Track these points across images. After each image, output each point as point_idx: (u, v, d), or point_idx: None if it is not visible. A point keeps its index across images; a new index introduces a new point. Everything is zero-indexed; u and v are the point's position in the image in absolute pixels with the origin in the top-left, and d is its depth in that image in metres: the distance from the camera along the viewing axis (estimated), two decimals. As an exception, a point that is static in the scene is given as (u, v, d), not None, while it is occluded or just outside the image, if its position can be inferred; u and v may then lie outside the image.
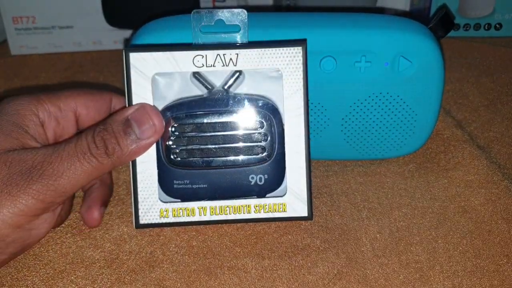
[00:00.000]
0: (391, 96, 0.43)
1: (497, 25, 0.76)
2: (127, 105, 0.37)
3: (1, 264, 0.35)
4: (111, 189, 0.43)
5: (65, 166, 0.34)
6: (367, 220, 0.40)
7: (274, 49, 0.37)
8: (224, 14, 0.38)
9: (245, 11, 0.38)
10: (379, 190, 0.44)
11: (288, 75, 0.38)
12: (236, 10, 0.38)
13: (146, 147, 0.37)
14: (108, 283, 0.35)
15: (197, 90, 0.40)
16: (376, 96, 0.43)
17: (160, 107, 0.39)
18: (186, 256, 0.37)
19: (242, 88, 0.40)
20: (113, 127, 0.35)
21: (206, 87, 0.39)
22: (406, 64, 0.42)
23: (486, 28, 0.76)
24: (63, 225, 0.40)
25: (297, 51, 0.38)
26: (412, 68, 0.42)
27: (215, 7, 0.79)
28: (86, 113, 0.40)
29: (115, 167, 0.36)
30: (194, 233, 0.39)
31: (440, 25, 0.43)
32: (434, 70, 0.43)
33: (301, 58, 0.38)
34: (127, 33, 0.76)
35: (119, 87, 0.64)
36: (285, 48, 0.37)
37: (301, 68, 0.38)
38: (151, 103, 0.37)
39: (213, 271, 0.35)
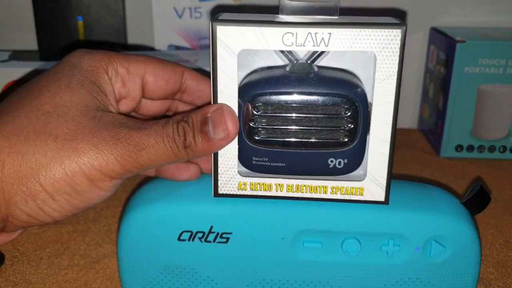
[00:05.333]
0: (421, 282, 0.38)
1: (512, 148, 0.72)
2: (211, 80, 0.36)
3: (63, 215, 0.34)
4: None
5: (151, 141, 0.34)
6: None
7: (370, 30, 0.34)
8: None
9: None
10: None
11: (382, 59, 0.35)
12: None
13: (218, 147, 0.36)
14: None
15: (280, 60, 0.37)
16: (405, 282, 0.38)
17: (243, 75, 0.37)
18: None
19: (328, 62, 0.37)
20: (193, 121, 0.36)
21: (289, 59, 0.37)
22: (439, 249, 0.37)
23: (501, 150, 0.73)
24: None
25: (396, 34, 0.34)
26: (446, 253, 0.38)
27: None
28: (153, 81, 0.40)
29: (191, 158, 0.36)
30: None
31: (475, 201, 0.39)
32: (470, 255, 0.38)
33: (399, 42, 0.34)
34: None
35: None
36: (383, 30, 0.34)
37: (398, 53, 0.35)
38: (236, 80, 0.36)
39: None
